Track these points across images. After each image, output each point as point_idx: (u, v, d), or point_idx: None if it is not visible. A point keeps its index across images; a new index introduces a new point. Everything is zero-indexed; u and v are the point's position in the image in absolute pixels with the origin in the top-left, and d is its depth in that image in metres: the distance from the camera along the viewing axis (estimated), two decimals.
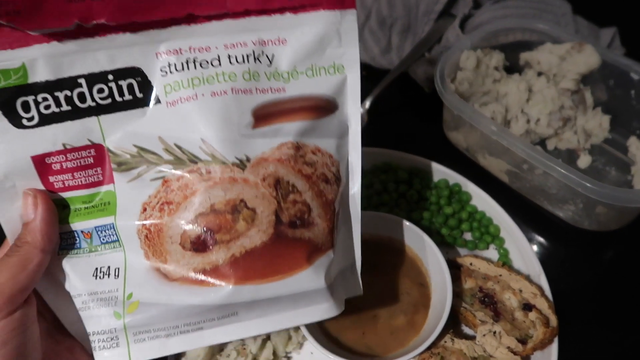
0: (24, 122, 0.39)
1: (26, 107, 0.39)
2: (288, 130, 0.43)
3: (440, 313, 0.54)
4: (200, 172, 0.41)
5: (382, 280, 0.60)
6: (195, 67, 0.41)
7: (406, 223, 0.60)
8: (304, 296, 0.43)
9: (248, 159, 0.42)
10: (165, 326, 0.42)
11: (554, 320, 0.55)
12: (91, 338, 0.42)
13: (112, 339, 0.42)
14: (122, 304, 0.41)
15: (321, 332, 0.55)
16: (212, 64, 0.41)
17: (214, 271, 0.41)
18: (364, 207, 0.69)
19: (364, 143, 0.74)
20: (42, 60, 0.38)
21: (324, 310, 0.44)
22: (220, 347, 0.56)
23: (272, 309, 0.43)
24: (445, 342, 0.55)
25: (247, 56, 0.42)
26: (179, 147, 0.41)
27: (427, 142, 0.80)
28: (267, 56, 0.43)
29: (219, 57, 0.41)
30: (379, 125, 0.80)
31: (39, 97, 0.39)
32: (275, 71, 0.43)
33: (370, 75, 0.88)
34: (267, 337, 0.56)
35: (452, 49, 0.72)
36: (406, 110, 0.86)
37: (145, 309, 0.41)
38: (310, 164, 0.44)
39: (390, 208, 0.69)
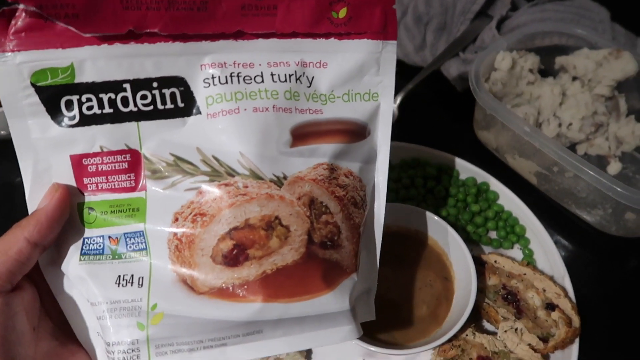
0: (66, 120, 0.39)
1: (69, 106, 0.39)
2: (324, 151, 0.44)
3: (463, 306, 0.55)
4: (237, 185, 0.41)
5: (406, 271, 0.61)
6: (238, 82, 0.41)
7: (434, 217, 0.61)
8: (328, 317, 0.43)
9: (285, 177, 0.42)
10: (189, 340, 0.40)
11: (576, 321, 0.55)
12: (109, 348, 0.40)
13: (132, 350, 0.40)
14: (146, 315, 0.40)
15: None
16: (255, 80, 0.42)
17: (244, 287, 0.40)
18: (391, 200, 0.71)
19: (394, 137, 0.76)
20: (90, 62, 0.38)
21: (346, 332, 0.43)
22: None
23: (296, 328, 0.42)
24: (467, 335, 0.56)
25: (289, 76, 0.42)
26: (217, 159, 0.41)
27: (456, 140, 0.81)
28: (307, 77, 0.43)
29: (262, 74, 0.42)
30: (409, 121, 0.80)
31: (83, 97, 0.39)
32: (314, 93, 0.44)
33: (402, 71, 0.88)
34: None
35: (488, 49, 0.73)
36: (437, 108, 0.86)
37: (170, 321, 0.40)
38: (342, 186, 0.44)
39: (418, 203, 0.70)
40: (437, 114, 0.86)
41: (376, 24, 0.43)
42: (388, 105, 0.46)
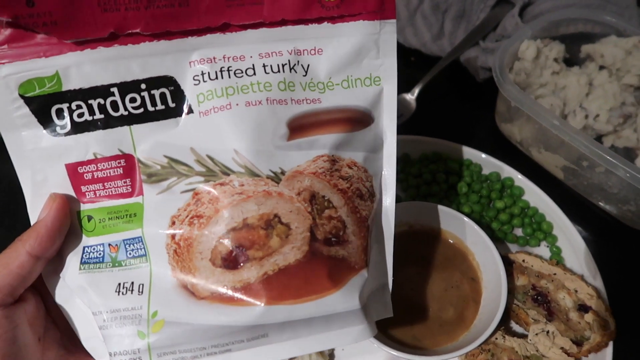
0: (58, 129, 0.39)
1: (60, 114, 0.38)
2: (324, 142, 0.42)
3: (492, 309, 0.53)
4: (233, 184, 0.39)
5: (431, 272, 0.59)
6: (229, 76, 0.40)
7: (459, 215, 0.58)
8: (338, 317, 0.41)
9: (283, 172, 0.40)
10: (192, 347, 0.39)
11: (612, 324, 0.53)
12: (112, 359, 0.39)
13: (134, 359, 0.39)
14: (146, 323, 0.39)
15: None
16: (246, 73, 0.40)
17: (245, 290, 0.39)
18: (412, 197, 0.68)
19: (413, 131, 0.73)
20: (75, 68, 0.37)
21: (357, 332, 0.41)
22: None
23: (304, 330, 0.40)
24: (496, 338, 0.54)
25: (283, 65, 0.41)
26: (211, 159, 0.40)
27: (477, 133, 0.78)
28: (302, 66, 0.41)
29: (253, 66, 0.40)
30: (428, 114, 0.78)
31: (73, 105, 0.38)
32: (311, 81, 0.42)
33: (420, 61, 0.86)
34: None
35: (512, 38, 0.70)
36: (456, 99, 0.84)
37: (171, 329, 0.39)
38: (345, 178, 0.42)
39: (440, 199, 0.67)
40: (457, 105, 0.83)
41: (371, 3, 0.41)
42: (392, 89, 0.44)
